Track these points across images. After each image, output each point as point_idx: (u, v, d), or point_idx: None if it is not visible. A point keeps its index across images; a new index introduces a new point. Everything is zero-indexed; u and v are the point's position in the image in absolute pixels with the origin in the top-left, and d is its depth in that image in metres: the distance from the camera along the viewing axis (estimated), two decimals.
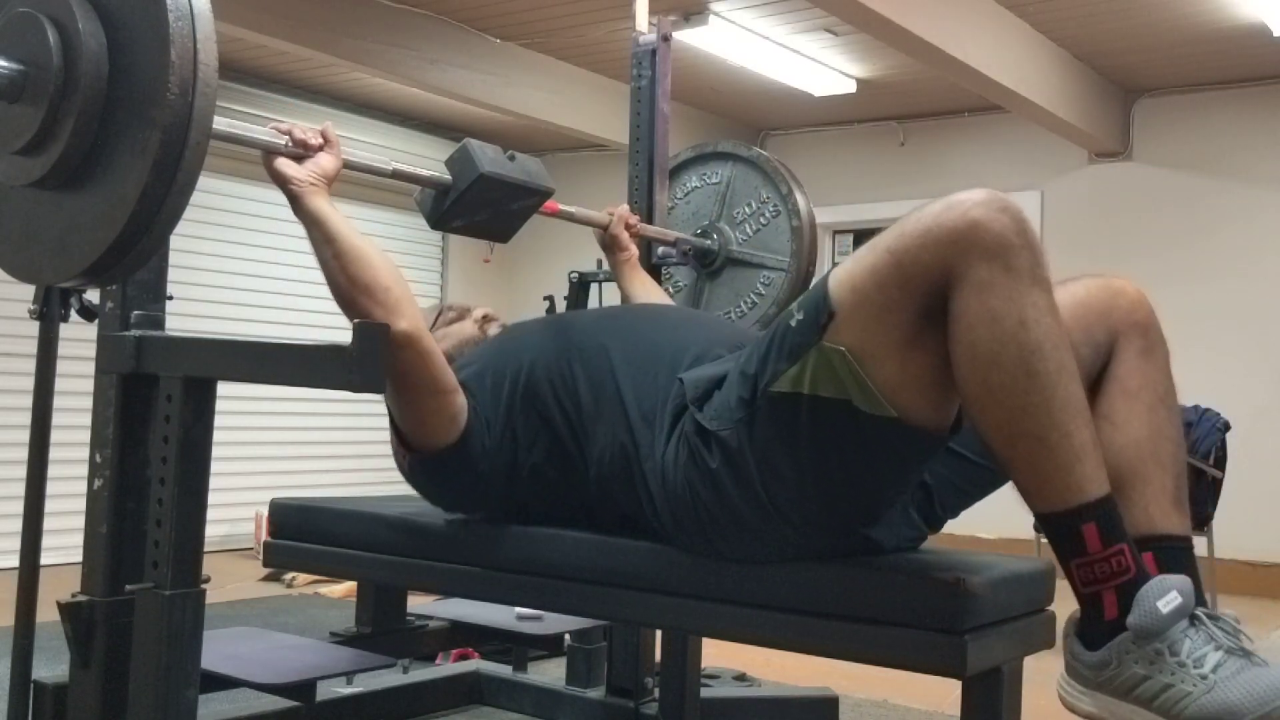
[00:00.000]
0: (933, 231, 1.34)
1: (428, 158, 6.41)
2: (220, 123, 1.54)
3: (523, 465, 1.77)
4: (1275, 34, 5.01)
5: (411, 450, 1.76)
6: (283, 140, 1.71)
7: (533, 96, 5.88)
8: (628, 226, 2.44)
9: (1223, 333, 5.73)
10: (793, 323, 1.45)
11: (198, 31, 1.27)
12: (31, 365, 2.00)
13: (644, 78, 2.64)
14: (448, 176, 1.97)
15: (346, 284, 1.62)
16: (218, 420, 1.70)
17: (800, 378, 1.43)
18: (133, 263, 1.36)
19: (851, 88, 5.98)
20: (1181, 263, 5.89)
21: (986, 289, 1.31)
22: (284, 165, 1.70)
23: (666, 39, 2.63)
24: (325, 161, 1.73)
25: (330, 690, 2.54)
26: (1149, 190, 6.02)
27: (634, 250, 2.45)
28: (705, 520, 1.57)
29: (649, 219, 2.58)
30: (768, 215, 2.68)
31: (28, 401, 2.01)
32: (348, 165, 1.84)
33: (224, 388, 1.69)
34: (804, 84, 5.94)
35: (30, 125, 1.31)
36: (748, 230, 2.71)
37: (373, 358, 1.45)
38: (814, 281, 1.48)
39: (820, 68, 5.74)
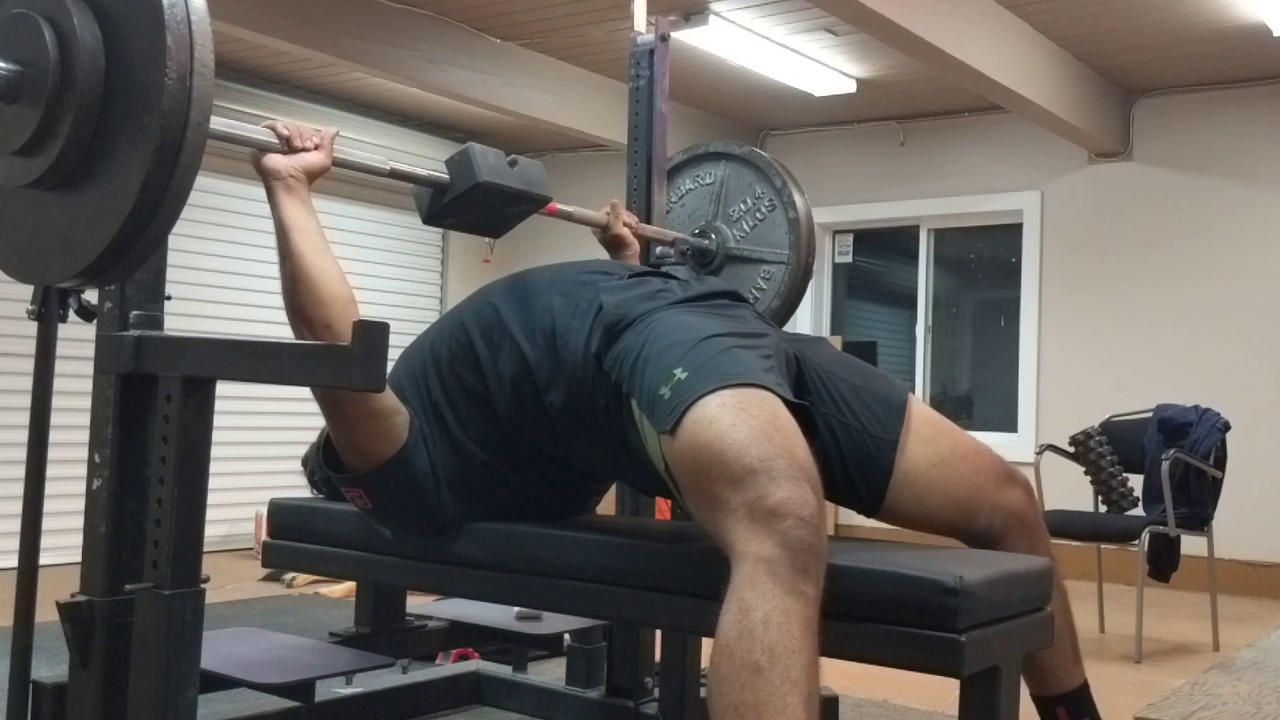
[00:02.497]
0: (741, 508, 1.39)
1: (428, 158, 6.41)
2: (218, 123, 1.54)
3: (463, 443, 1.80)
4: (1275, 34, 5.00)
5: (354, 470, 1.78)
6: (278, 142, 1.73)
7: (532, 96, 5.88)
8: (626, 226, 2.44)
9: (1223, 332, 5.72)
10: (663, 392, 1.54)
11: (195, 38, 1.27)
12: (30, 365, 1.99)
13: (642, 78, 2.64)
14: (445, 176, 1.97)
15: (292, 309, 1.71)
16: (217, 420, 1.70)
17: (642, 424, 1.61)
18: (131, 263, 1.36)
19: (851, 88, 5.98)
20: (1181, 262, 5.88)
21: (749, 584, 1.34)
22: (268, 157, 1.73)
23: (665, 39, 2.63)
24: (311, 157, 1.75)
25: (330, 690, 2.54)
26: (1149, 190, 6.02)
27: (636, 246, 2.46)
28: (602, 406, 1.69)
29: (647, 219, 2.58)
30: (764, 210, 2.68)
31: (27, 401, 2.01)
32: (348, 165, 1.85)
33: (224, 388, 1.69)
34: (804, 84, 5.94)
35: (28, 125, 1.31)
36: (744, 227, 2.70)
37: (373, 357, 1.45)
38: (684, 383, 1.55)
39: (820, 68, 5.73)
